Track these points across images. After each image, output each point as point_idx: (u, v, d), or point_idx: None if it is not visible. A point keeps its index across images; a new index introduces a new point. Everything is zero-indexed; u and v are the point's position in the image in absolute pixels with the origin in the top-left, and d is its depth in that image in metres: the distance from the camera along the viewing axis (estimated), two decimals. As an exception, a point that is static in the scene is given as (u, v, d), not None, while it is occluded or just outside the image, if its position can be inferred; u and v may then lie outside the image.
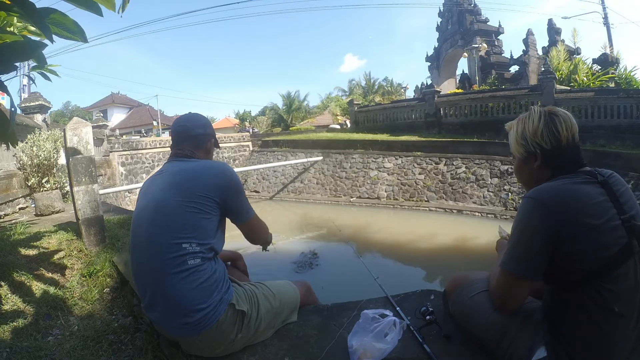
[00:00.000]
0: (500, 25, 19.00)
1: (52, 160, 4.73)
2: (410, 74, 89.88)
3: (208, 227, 1.22)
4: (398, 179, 11.81)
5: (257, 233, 1.46)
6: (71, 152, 2.62)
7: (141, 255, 1.23)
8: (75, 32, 1.13)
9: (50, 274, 2.24)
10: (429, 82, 19.12)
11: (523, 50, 16.79)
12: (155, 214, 1.22)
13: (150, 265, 1.19)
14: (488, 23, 19.09)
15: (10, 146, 1.39)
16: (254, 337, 1.28)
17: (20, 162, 4.67)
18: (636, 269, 0.88)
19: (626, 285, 0.87)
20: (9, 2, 0.97)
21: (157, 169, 14.27)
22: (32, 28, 1.54)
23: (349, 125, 19.20)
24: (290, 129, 22.31)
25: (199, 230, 1.19)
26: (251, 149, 17.42)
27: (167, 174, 1.29)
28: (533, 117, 1.04)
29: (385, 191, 11.82)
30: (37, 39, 1.53)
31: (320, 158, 14.00)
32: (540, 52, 16.80)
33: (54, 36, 1.08)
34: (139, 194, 1.36)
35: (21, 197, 5.02)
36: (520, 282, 0.99)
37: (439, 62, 22.08)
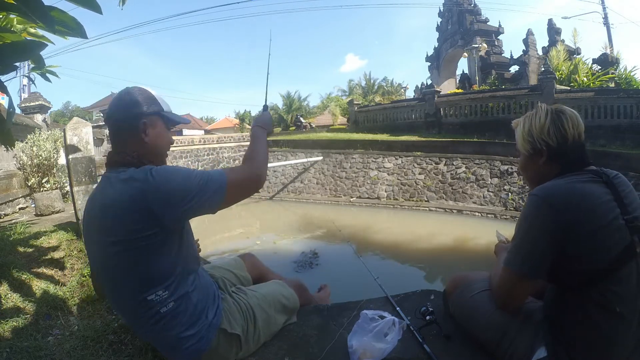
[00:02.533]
0: (500, 25, 19.01)
1: (52, 160, 4.74)
2: (410, 74, 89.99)
3: (167, 263, 0.99)
4: (398, 179, 11.81)
5: (241, 188, 1.07)
6: (71, 152, 2.62)
7: (110, 298, 1.13)
8: (74, 29, 1.12)
9: (50, 274, 2.24)
10: (429, 82, 19.12)
11: (523, 50, 16.79)
12: (103, 272, 1.05)
13: (123, 314, 1.11)
14: (488, 23, 19.09)
15: (9, 147, 1.39)
16: (256, 347, 1.25)
17: (20, 162, 4.67)
18: (638, 270, 0.88)
19: (628, 286, 0.87)
20: (10, 1, 0.96)
21: (157, 169, 14.22)
22: (32, 30, 1.54)
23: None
24: (290, 129, 22.32)
25: (159, 276, 0.99)
26: (251, 149, 17.37)
27: (96, 212, 1.02)
28: (540, 114, 1.05)
29: (385, 191, 11.82)
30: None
31: (320, 158, 14.00)
32: (540, 52, 16.80)
33: (53, 37, 1.08)
34: (83, 218, 1.10)
35: (21, 197, 5.02)
36: (524, 281, 0.98)
37: (439, 62, 22.08)
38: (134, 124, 1.05)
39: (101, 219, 0.99)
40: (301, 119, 24.06)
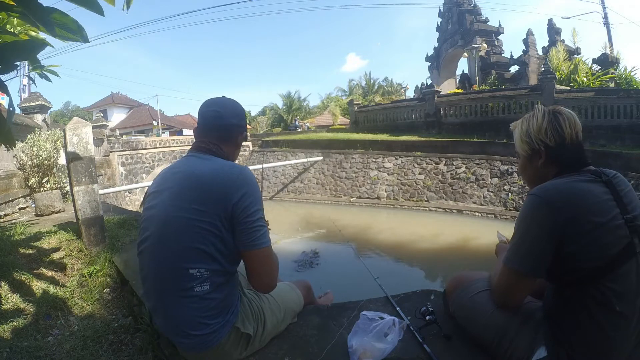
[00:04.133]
0: (500, 25, 19.01)
1: (52, 160, 4.73)
2: (410, 74, 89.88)
3: (220, 248, 1.05)
4: (398, 179, 11.81)
5: (266, 268, 1.11)
6: (71, 152, 2.62)
7: (147, 264, 1.14)
8: (75, 32, 1.12)
9: (50, 274, 2.24)
10: (429, 82, 19.13)
11: (523, 50, 16.79)
12: (162, 229, 1.08)
13: (154, 280, 1.11)
14: (488, 23, 19.09)
15: (9, 147, 1.39)
16: (259, 347, 1.26)
17: (20, 162, 4.67)
18: (638, 269, 0.88)
19: (628, 284, 0.87)
20: (10, 2, 0.96)
21: (157, 169, 14.28)
22: (33, 33, 1.54)
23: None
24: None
25: (208, 254, 1.04)
26: (251, 149, 17.43)
27: (179, 177, 1.12)
28: (537, 115, 1.06)
29: (385, 191, 11.83)
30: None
31: (320, 158, 14.01)
32: (540, 52, 16.80)
33: (53, 39, 1.08)
34: (152, 187, 1.19)
35: (21, 197, 5.02)
36: (523, 279, 0.99)
37: (439, 62, 22.08)
38: (240, 132, 1.25)
39: (184, 183, 1.09)
40: (297, 122, 24.10)
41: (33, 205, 4.56)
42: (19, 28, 1.46)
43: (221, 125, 1.21)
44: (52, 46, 1.07)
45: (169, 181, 1.13)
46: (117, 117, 35.11)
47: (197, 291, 1.04)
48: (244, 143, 1.40)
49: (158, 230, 1.09)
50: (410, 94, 26.56)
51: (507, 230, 1.29)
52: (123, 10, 1.30)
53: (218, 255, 1.05)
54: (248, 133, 20.80)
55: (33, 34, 1.51)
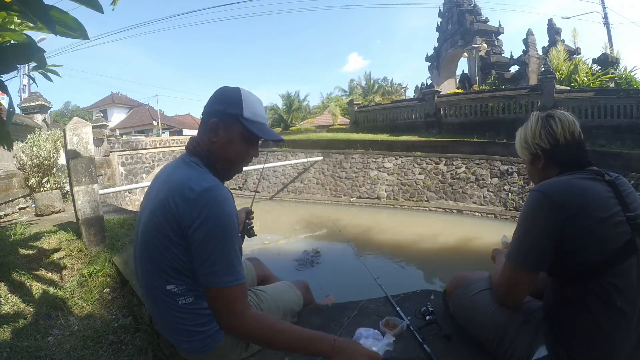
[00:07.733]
0: (500, 25, 19.01)
1: (52, 160, 4.73)
2: (410, 74, 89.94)
3: (189, 267, 0.97)
4: (398, 179, 11.81)
5: (225, 310, 0.95)
6: (71, 152, 2.62)
7: (137, 269, 1.13)
8: (75, 29, 1.11)
9: (50, 274, 2.24)
10: (429, 82, 19.12)
11: (523, 50, 16.79)
12: (142, 238, 1.04)
13: (145, 289, 1.10)
14: (488, 23, 19.09)
15: (7, 148, 1.38)
16: (259, 348, 1.25)
17: (20, 162, 4.67)
18: (639, 266, 0.88)
19: (629, 281, 0.88)
20: (8, 0, 0.96)
21: (157, 169, 14.28)
22: (32, 24, 1.54)
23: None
24: (290, 129, 22.33)
25: (179, 271, 0.97)
26: (251, 149, 17.38)
27: (161, 180, 1.06)
28: (531, 121, 1.13)
29: (385, 191, 11.83)
30: (38, 34, 1.53)
31: (320, 158, 14.00)
32: (540, 52, 16.80)
33: (53, 36, 1.08)
34: (150, 184, 1.15)
35: (21, 197, 5.01)
36: (527, 274, 1.00)
37: (439, 62, 22.08)
38: (206, 120, 1.04)
39: (158, 194, 1.00)
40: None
41: (33, 205, 4.56)
42: (17, 21, 1.46)
43: (202, 118, 1.11)
44: (56, 34, 1.05)
45: (158, 182, 1.08)
46: (117, 117, 35.12)
47: (182, 304, 1.00)
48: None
49: (140, 239, 1.07)
50: (410, 94, 26.59)
51: (510, 232, 1.29)
52: (110, 6, 1.29)
53: (189, 272, 0.98)
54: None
55: (32, 25, 1.50)
